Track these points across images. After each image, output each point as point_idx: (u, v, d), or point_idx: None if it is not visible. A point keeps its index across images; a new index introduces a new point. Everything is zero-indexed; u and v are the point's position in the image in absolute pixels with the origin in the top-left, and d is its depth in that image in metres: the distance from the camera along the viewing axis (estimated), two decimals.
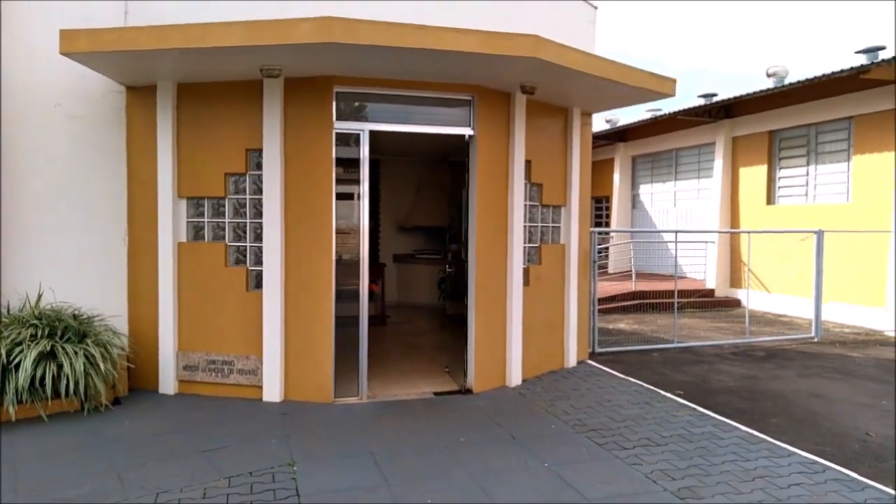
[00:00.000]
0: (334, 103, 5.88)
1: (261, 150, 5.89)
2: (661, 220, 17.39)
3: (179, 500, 3.92)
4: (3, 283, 5.97)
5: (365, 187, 6.04)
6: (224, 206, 6.14)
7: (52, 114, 6.07)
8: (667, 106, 15.80)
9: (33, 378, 5.14)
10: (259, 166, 5.96)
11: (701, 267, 14.54)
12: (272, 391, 5.92)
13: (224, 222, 6.14)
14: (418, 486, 4.19)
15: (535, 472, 4.43)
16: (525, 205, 6.84)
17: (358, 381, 6.06)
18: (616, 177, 18.83)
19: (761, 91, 12.48)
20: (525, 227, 6.87)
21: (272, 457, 4.61)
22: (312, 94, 5.86)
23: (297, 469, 4.41)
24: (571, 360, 7.47)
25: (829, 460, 4.82)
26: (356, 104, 6.03)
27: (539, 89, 6.31)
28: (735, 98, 13.27)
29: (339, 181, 6.00)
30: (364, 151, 6.00)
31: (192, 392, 6.14)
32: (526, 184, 6.85)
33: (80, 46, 5.08)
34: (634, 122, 16.83)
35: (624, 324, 11.89)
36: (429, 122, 6.28)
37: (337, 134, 5.92)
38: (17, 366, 5.10)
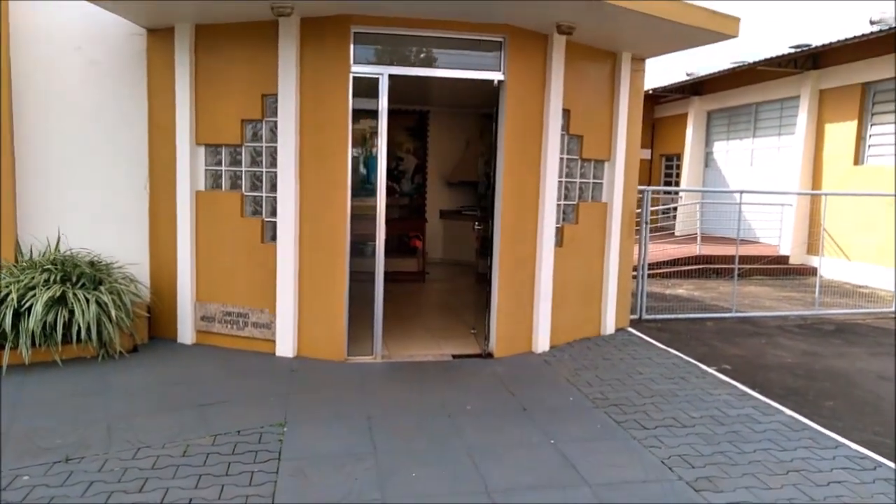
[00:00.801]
0: (352, 45, 5.49)
1: (276, 96, 5.60)
2: (735, 179, 16.19)
3: (158, 456, 3.80)
4: (26, 228, 6.01)
5: (383, 137, 5.66)
6: (241, 153, 5.93)
7: (73, 58, 5.97)
8: (751, 56, 14.43)
9: (46, 323, 5.16)
10: (276, 112, 5.67)
11: (776, 231, 13.46)
12: (285, 346, 5.77)
13: (241, 171, 5.94)
14: (407, 457, 3.91)
15: (537, 450, 4.06)
16: (562, 158, 6.29)
17: (372, 340, 5.81)
18: (689, 133, 17.62)
19: (859, 37, 11.11)
20: (561, 182, 6.34)
21: (267, 415, 4.45)
22: (329, 35, 5.48)
23: (286, 430, 4.22)
24: (609, 328, 6.97)
25: (885, 455, 4.21)
26: (375, 46, 5.61)
27: (579, 30, 5.69)
28: (826, 46, 11.92)
29: (358, 130, 5.65)
30: (383, 97, 5.60)
31: (209, 343, 6.08)
32: (563, 135, 6.29)
33: None
34: (711, 74, 15.53)
35: (683, 289, 11.18)
36: (454, 66, 5.80)
37: (354, 78, 5.54)
38: (30, 310, 5.13)
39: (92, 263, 5.77)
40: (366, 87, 5.63)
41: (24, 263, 5.59)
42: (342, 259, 5.68)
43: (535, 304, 6.17)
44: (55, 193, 6.09)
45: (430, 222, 11.84)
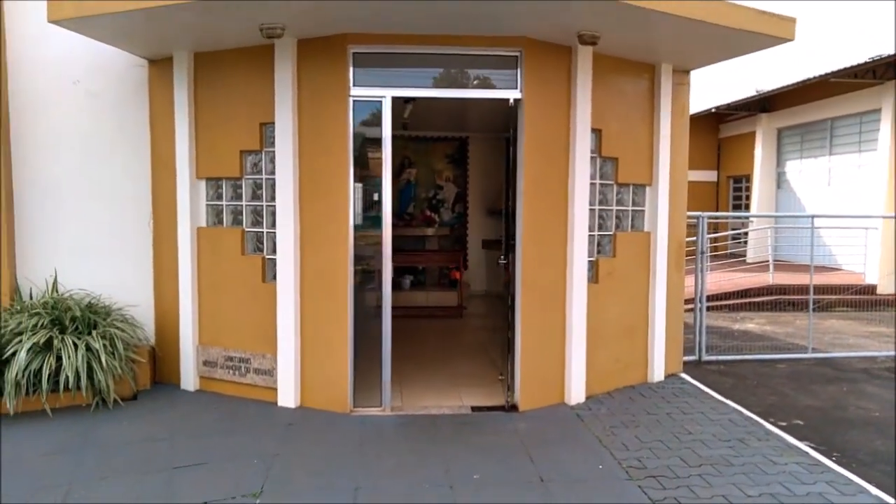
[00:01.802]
0: (351, 67, 5.03)
1: (275, 124, 5.19)
2: (811, 201, 14.84)
3: None
4: (24, 270, 5.79)
5: (387, 164, 5.13)
6: (241, 187, 5.54)
7: (71, 91, 5.77)
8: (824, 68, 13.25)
9: (31, 371, 4.85)
10: (275, 143, 5.26)
11: (861, 258, 12.10)
12: (286, 396, 5.26)
13: (241, 205, 5.55)
14: None
15: None
16: (593, 184, 5.60)
17: (381, 389, 5.22)
18: (758, 152, 16.39)
19: None
20: (594, 210, 5.64)
21: (243, 482, 3.91)
22: (325, 57, 5.04)
23: (258, 502, 3.66)
24: (657, 373, 6.12)
25: None
26: (376, 67, 5.12)
27: (606, 39, 5.03)
28: None
29: (362, 158, 5.16)
30: (386, 121, 5.09)
31: (211, 389, 5.65)
32: (594, 157, 5.60)
33: (66, 13, 4.63)
34: (779, 88, 14.36)
35: (754, 323, 10.11)
36: (466, 85, 5.25)
37: (355, 102, 5.07)
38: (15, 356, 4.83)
39: (89, 306, 5.47)
40: (370, 112, 5.15)
41: (19, 306, 5.34)
42: (344, 299, 5.15)
43: (567, 349, 5.44)
44: (53, 232, 5.85)
45: (472, 253, 11.25)
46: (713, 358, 7.46)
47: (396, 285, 10.36)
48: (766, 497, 3.78)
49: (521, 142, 5.21)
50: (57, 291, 5.62)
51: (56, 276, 5.71)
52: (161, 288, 5.89)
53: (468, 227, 11.30)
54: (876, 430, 5.21)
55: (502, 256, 5.81)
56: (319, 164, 5.14)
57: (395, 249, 10.41)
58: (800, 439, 4.83)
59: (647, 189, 6.08)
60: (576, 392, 5.44)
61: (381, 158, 5.12)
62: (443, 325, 8.84)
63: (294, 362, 5.23)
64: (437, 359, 6.88)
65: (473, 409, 5.29)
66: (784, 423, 5.30)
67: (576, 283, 5.39)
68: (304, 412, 5.17)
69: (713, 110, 16.65)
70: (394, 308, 9.42)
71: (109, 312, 5.53)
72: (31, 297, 5.67)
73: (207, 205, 5.69)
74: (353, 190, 5.11)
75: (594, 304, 5.55)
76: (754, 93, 15.32)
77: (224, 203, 5.62)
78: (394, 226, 10.51)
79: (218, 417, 5.06)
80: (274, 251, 5.33)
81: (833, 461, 4.40)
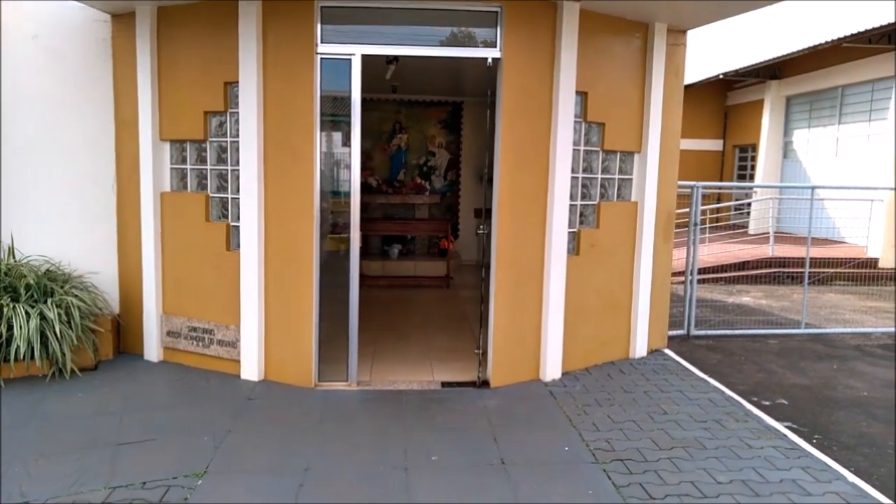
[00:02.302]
0: (318, 23, 4.71)
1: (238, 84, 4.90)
2: (817, 172, 14.43)
3: None
4: None
5: (356, 128, 4.84)
6: (206, 150, 5.28)
7: (30, 47, 5.47)
8: (838, 31, 12.70)
9: None
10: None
11: (864, 230, 11.76)
12: (250, 369, 5.08)
13: (206, 169, 5.29)
14: None
15: None
16: (577, 150, 5.30)
17: (347, 363, 5.03)
18: (765, 121, 15.90)
19: None
20: (577, 178, 5.35)
21: (188, 460, 3.74)
22: (292, 12, 4.72)
23: (200, 483, 3.49)
24: (640, 349, 5.90)
25: None
26: (345, 23, 4.80)
27: None
28: None
29: (330, 121, 4.88)
30: (356, 80, 4.78)
31: (175, 360, 5.48)
32: (579, 122, 5.29)
33: None
34: (790, 54, 13.82)
35: (749, 297, 9.88)
36: (441, 43, 4.92)
37: (323, 60, 4.77)
38: None
39: (47, 273, 5.27)
40: (340, 71, 4.84)
41: None
42: (309, 269, 4.92)
43: (544, 323, 5.22)
44: (12, 197, 5.61)
45: (464, 222, 10.99)
46: (702, 333, 7.25)
47: (384, 254, 10.15)
48: (736, 484, 3.58)
49: (499, 104, 4.91)
50: (14, 258, 5.41)
51: (13, 243, 5.49)
52: (125, 255, 5.68)
53: (460, 195, 11.01)
54: (862, 411, 5.00)
55: (481, 226, 5.55)
56: (285, 126, 4.86)
57: (385, 217, 10.25)
58: (781, 420, 4.62)
59: (636, 156, 5.77)
60: (551, 368, 5.23)
61: (350, 121, 4.83)
62: (428, 295, 8.64)
63: (257, 334, 5.03)
64: (414, 331, 6.69)
65: (444, 384, 5.10)
66: (767, 403, 5.10)
67: (554, 254, 5.14)
68: (267, 386, 4.99)
69: (721, 76, 16.11)
70: (380, 278, 9.30)
71: (68, 280, 5.34)
72: None
73: (172, 168, 5.44)
74: (318, 154, 4.84)
75: (574, 277, 5.30)
76: (764, 59, 14.77)
77: (188, 167, 5.37)
78: (383, 193, 10.36)
79: (177, 390, 4.89)
80: (239, 218, 5.08)
81: (813, 445, 4.20)
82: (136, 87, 5.33)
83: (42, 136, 5.58)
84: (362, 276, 8.92)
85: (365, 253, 9.75)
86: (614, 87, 5.48)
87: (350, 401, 4.75)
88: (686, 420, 4.49)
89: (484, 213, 5.48)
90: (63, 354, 4.91)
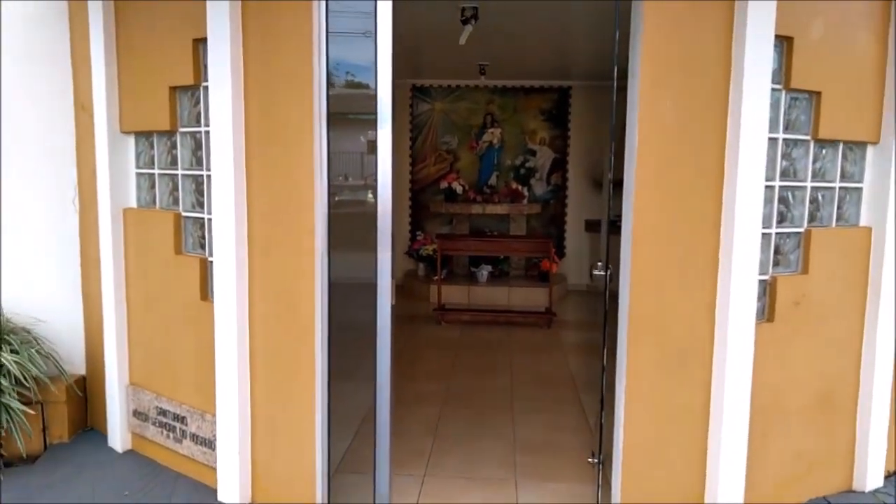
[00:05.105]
0: None
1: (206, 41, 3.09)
2: None
3: None
4: None
5: (385, 104, 2.85)
6: (176, 146, 3.52)
7: None
8: None
9: None
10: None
11: None
12: (229, 487, 3.25)
13: (177, 175, 3.54)
14: None
15: None
16: (775, 140, 3.06)
17: (374, 482, 3.07)
18: None
19: None
20: (773, 188, 3.11)
21: None
22: None
23: None
24: (872, 475, 3.50)
25: None
26: None
27: None
28: None
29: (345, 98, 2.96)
30: (383, 32, 2.81)
31: (144, 452, 3.78)
32: (778, 90, 3.05)
33: None
34: None
35: None
36: None
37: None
38: None
39: None
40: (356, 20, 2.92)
41: None
42: (311, 329, 3.02)
43: (711, 434, 3.01)
44: None
45: (572, 237, 8.82)
46: None
47: (471, 277, 8.19)
48: None
49: (634, 65, 2.79)
50: None
51: None
52: (90, 296, 4.05)
53: (567, 204, 8.82)
54: None
55: (598, 264, 3.39)
56: (275, 105, 3.00)
57: (472, 233, 8.26)
58: None
59: (870, 149, 3.41)
60: (723, 499, 3.02)
61: (375, 95, 2.86)
62: (523, 338, 6.54)
63: (238, 434, 3.19)
64: (497, 406, 4.64)
65: None
66: None
67: (733, 320, 2.91)
68: None
69: None
70: (463, 311, 7.29)
71: (8, 331, 3.75)
72: None
73: (138, 173, 3.74)
74: (324, 146, 2.93)
75: (765, 358, 3.06)
76: None
77: (157, 171, 3.64)
78: (471, 202, 8.35)
79: None
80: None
81: None
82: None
83: None
84: (441, 309, 7.04)
85: (447, 277, 7.84)
86: (837, 31, 3.18)
87: None
88: None
89: (607, 243, 3.35)
90: None
